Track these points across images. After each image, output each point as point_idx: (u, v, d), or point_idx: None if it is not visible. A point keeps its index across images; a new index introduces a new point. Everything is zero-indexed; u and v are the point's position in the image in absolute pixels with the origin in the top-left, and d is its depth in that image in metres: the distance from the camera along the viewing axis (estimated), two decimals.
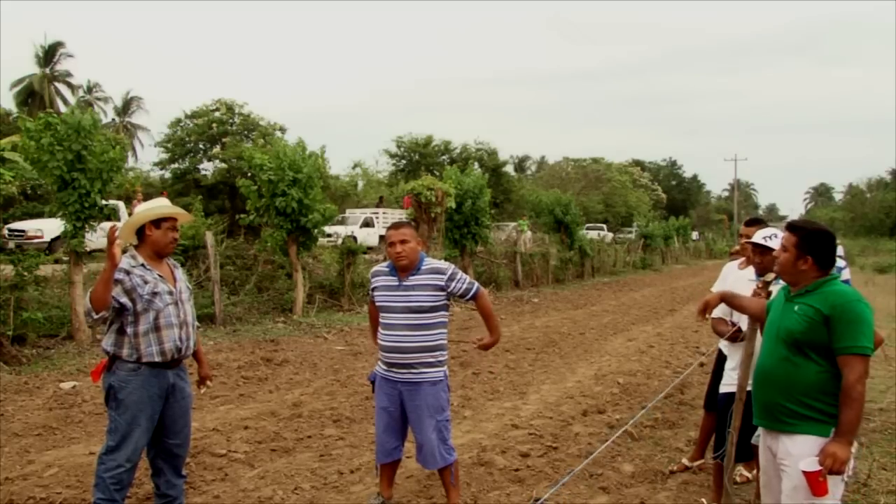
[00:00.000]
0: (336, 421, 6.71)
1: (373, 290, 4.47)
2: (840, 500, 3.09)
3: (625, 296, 20.50)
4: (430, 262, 4.38)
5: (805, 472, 2.98)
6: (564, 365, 9.72)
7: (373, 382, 4.52)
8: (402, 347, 4.26)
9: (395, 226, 4.37)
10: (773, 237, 4.07)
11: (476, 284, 4.41)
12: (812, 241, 3.19)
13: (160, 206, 4.05)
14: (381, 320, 4.39)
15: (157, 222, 3.95)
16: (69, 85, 46.54)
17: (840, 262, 4.81)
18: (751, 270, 4.50)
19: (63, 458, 5.56)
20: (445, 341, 4.42)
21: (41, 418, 6.66)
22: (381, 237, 26.48)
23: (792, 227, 3.28)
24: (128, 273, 3.84)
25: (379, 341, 4.40)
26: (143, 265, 3.91)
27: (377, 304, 4.43)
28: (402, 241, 4.26)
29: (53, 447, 5.90)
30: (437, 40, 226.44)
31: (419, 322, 4.26)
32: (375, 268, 4.59)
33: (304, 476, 5.21)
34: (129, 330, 3.83)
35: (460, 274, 4.38)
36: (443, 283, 4.29)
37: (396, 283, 4.31)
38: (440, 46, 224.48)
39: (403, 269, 4.30)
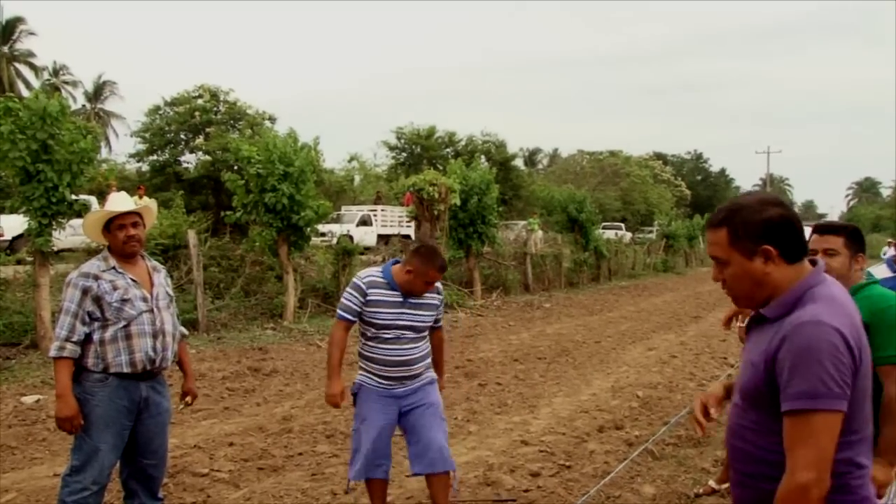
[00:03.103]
0: (329, 436, 6.69)
1: (366, 303, 4.29)
2: None
3: (644, 301, 20.47)
4: None
5: None
6: (578, 376, 9.70)
7: (355, 395, 4.47)
8: (408, 360, 4.36)
9: (442, 267, 4.29)
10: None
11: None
12: (858, 239, 3.21)
13: (105, 209, 4.03)
14: (374, 335, 4.33)
15: (106, 224, 3.92)
16: (32, 66, 46.07)
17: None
18: None
19: (23, 481, 5.52)
20: None
21: None
22: (380, 236, 26.56)
23: (830, 229, 3.27)
24: (96, 279, 3.82)
25: (376, 356, 4.35)
26: (114, 268, 3.89)
27: (374, 320, 4.30)
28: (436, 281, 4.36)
29: (12, 469, 5.85)
30: (440, 23, 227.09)
31: (420, 335, 4.41)
32: (367, 276, 4.38)
33: (295, 497, 5.19)
34: (96, 337, 3.80)
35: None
36: (437, 303, 4.50)
37: (401, 300, 4.31)
38: (444, 30, 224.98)
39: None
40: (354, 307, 4.30)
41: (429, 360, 4.51)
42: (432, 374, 4.57)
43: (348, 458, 5.98)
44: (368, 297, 4.29)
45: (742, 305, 2.20)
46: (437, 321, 4.54)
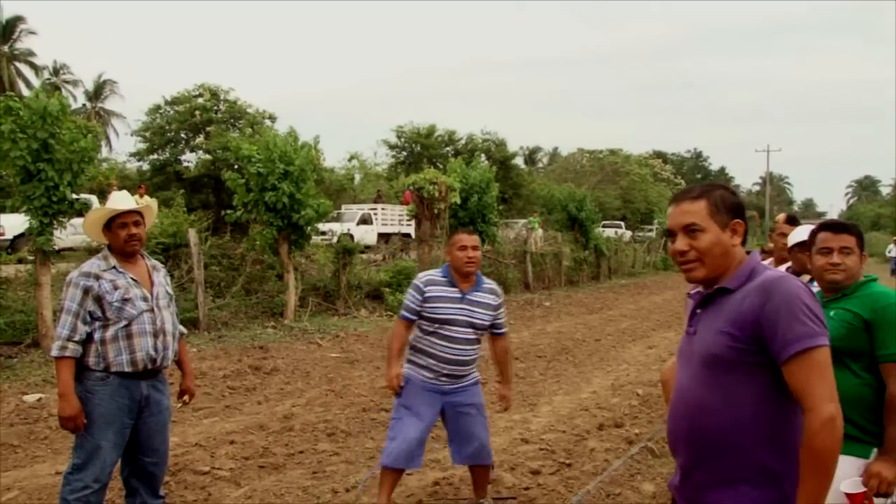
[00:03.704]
0: (330, 435, 6.69)
1: (425, 300, 4.50)
2: None
3: (644, 299, 20.48)
4: (487, 280, 4.72)
5: (847, 494, 2.93)
6: (578, 374, 9.71)
7: (401, 387, 4.59)
8: (464, 360, 4.57)
9: (468, 231, 4.61)
10: None
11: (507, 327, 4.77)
12: (863, 239, 3.21)
13: (105, 207, 4.03)
14: (433, 330, 4.52)
15: (107, 223, 3.92)
16: (32, 65, 45.91)
17: None
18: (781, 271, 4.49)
19: (25, 480, 5.52)
20: None
21: (1, 435, 6.62)
22: (380, 235, 26.54)
23: (844, 228, 3.27)
24: (97, 278, 3.82)
25: (433, 351, 4.53)
26: (114, 268, 3.88)
27: (433, 315, 4.49)
28: (474, 248, 4.53)
29: (14, 467, 5.86)
30: (440, 23, 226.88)
31: (477, 336, 4.62)
32: (426, 275, 4.66)
33: (296, 495, 5.19)
34: (97, 336, 3.80)
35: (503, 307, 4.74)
36: (496, 304, 4.66)
37: (459, 296, 4.52)
38: (444, 29, 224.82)
39: (467, 277, 4.56)
40: (414, 306, 4.53)
41: (478, 362, 4.72)
42: (478, 374, 4.77)
43: (349, 456, 6.04)
44: (427, 294, 4.51)
45: (700, 276, 2.29)
46: (497, 326, 4.70)
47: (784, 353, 2.07)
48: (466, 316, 4.50)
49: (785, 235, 4.47)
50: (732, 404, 2.17)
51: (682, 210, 2.29)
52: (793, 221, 4.83)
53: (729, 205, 2.27)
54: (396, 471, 4.60)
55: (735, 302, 2.19)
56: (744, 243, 2.30)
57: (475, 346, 4.60)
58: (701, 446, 2.24)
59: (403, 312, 4.58)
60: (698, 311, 2.33)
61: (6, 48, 44.25)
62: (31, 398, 7.85)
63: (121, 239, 3.89)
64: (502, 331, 4.75)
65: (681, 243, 2.28)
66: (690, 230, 2.26)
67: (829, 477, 2.06)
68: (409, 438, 4.49)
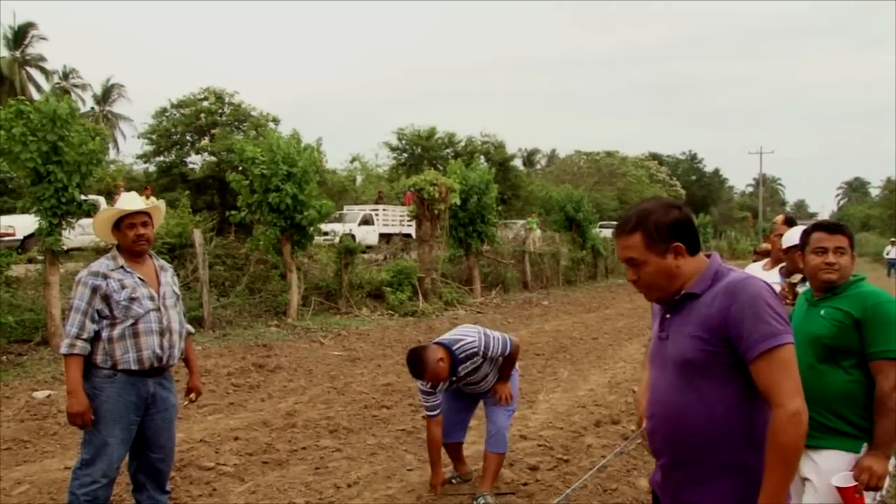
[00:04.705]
0: (332, 431, 6.69)
1: (439, 391, 4.89)
2: None
3: (640, 298, 20.26)
4: (463, 351, 4.76)
5: (839, 489, 2.94)
6: (576, 372, 9.70)
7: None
8: (479, 393, 5.08)
9: (417, 375, 4.68)
10: None
11: (508, 345, 4.90)
12: (853, 239, 3.21)
13: (114, 208, 4.03)
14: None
15: (116, 223, 3.93)
16: (43, 70, 45.96)
17: None
18: (776, 272, 4.51)
19: (35, 474, 5.53)
20: None
21: (11, 431, 6.64)
22: (381, 235, 26.50)
23: (839, 228, 3.28)
24: (105, 277, 3.83)
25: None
26: (122, 267, 3.89)
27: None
28: (435, 377, 4.71)
29: (24, 462, 5.87)
30: (439, 26, 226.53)
31: (483, 386, 5.01)
32: (419, 385, 4.87)
33: (298, 490, 5.19)
34: (105, 334, 3.81)
35: (495, 341, 4.83)
36: (479, 364, 4.87)
37: (446, 387, 4.93)
38: (443, 32, 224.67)
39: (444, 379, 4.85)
40: (436, 401, 4.85)
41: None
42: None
43: (351, 453, 6.05)
44: (438, 389, 4.84)
45: (655, 298, 2.34)
46: (501, 356, 4.89)
47: (751, 353, 2.10)
48: (464, 391, 5.07)
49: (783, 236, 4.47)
50: (708, 405, 2.19)
51: (622, 245, 2.31)
52: (791, 223, 4.85)
53: (664, 230, 2.24)
54: (450, 445, 5.22)
55: (703, 305, 2.21)
56: (697, 249, 2.29)
57: (487, 382, 4.97)
58: (680, 446, 2.27)
59: (426, 413, 4.91)
60: (668, 315, 2.34)
61: (18, 53, 44.30)
62: (40, 395, 7.86)
63: (129, 239, 3.90)
64: (507, 353, 4.90)
65: (630, 274, 2.33)
66: (633, 263, 2.29)
67: (793, 469, 2.10)
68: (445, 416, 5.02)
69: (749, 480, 2.13)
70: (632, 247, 2.27)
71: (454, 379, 4.78)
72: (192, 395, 4.34)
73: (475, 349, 4.70)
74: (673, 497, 2.33)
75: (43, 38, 46.13)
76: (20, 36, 44.45)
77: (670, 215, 2.25)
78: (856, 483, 2.93)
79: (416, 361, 4.57)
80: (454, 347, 4.69)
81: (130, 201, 4.01)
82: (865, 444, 3.01)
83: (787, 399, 2.06)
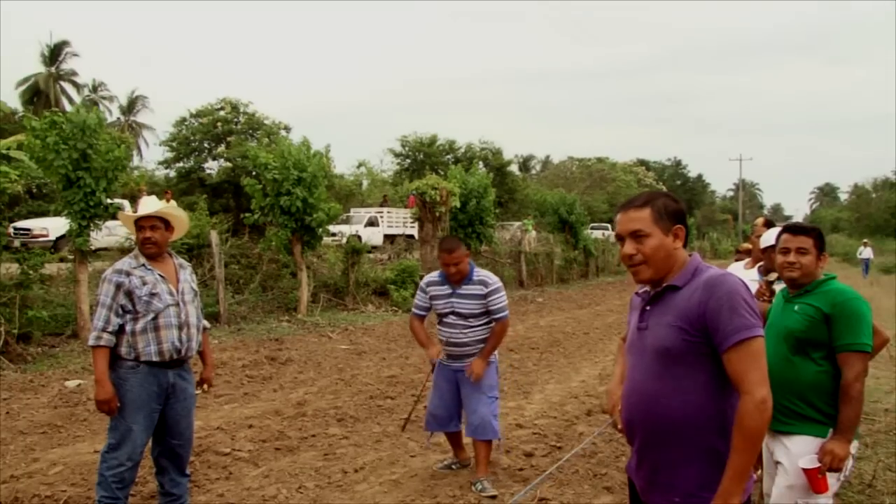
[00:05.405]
0: (340, 420, 6.71)
1: (430, 297, 5.05)
2: (832, 499, 3.10)
3: (629, 295, 20.31)
4: (480, 273, 5.00)
5: (805, 470, 2.99)
6: (569, 364, 9.72)
7: (434, 365, 5.17)
8: (457, 342, 4.95)
9: (449, 250, 4.84)
10: None
11: (505, 312, 5.01)
12: (822, 241, 3.26)
13: (126, 213, 4.08)
14: (438, 320, 5.07)
15: (136, 224, 3.97)
16: (74, 84, 46.20)
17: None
18: (755, 270, 4.54)
19: (68, 456, 5.58)
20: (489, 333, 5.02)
21: (46, 416, 6.68)
22: (386, 236, 26.48)
23: (802, 230, 3.30)
24: (128, 275, 3.87)
25: (440, 336, 5.06)
26: (143, 265, 3.93)
27: (435, 309, 5.04)
28: (456, 264, 4.84)
29: (58, 445, 5.91)
30: (442, 38, 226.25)
31: (467, 321, 4.94)
32: (427, 278, 5.13)
33: (309, 475, 5.21)
34: (128, 328, 3.84)
35: (501, 294, 4.99)
36: (483, 293, 4.93)
37: (449, 291, 4.97)
38: (446, 45, 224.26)
39: (456, 281, 4.94)
40: (421, 303, 5.11)
41: (482, 344, 4.96)
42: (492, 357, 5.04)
43: (357, 440, 6.07)
44: (430, 293, 5.05)
45: (646, 277, 2.32)
46: (493, 312, 4.95)
47: (725, 343, 2.12)
48: (453, 307, 4.92)
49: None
50: (683, 392, 2.21)
51: (629, 217, 2.32)
52: (770, 225, 4.87)
53: (671, 212, 2.30)
54: (449, 434, 5.25)
55: (683, 298, 2.23)
56: (685, 245, 2.33)
57: (466, 330, 4.91)
58: (655, 432, 2.28)
59: (414, 310, 5.15)
60: (648, 307, 2.36)
61: (53, 69, 44.51)
62: (71, 384, 7.90)
63: (139, 239, 3.96)
64: (497, 315, 4.97)
65: (628, 247, 2.31)
66: (637, 236, 2.29)
67: (756, 452, 2.12)
68: (432, 406, 5.13)
69: (719, 463, 2.15)
70: (640, 219, 2.29)
71: (458, 292, 4.91)
72: (205, 386, 4.35)
73: (488, 280, 4.94)
74: (647, 479, 2.34)
75: (75, 55, 46.39)
76: (55, 53, 44.67)
77: (676, 204, 2.34)
78: (820, 465, 2.98)
79: (453, 241, 4.93)
80: (476, 267, 5.02)
81: (143, 205, 4.03)
82: (831, 430, 3.05)
83: (755, 387, 2.09)
